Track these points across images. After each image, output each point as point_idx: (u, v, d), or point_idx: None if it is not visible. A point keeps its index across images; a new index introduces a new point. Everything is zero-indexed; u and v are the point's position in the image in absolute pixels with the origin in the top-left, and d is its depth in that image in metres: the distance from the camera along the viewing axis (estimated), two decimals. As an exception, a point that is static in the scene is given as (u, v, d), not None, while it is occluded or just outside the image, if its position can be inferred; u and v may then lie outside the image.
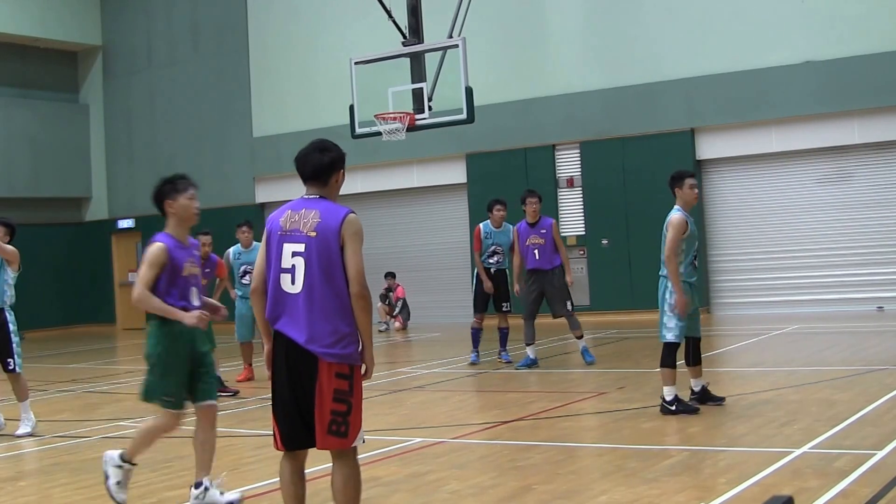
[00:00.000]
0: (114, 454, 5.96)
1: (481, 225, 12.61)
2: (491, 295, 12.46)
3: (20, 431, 9.00)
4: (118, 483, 5.92)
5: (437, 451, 7.38)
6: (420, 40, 14.34)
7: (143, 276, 5.79)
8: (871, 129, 17.19)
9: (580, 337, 12.10)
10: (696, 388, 8.59)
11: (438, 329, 18.93)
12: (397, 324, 19.70)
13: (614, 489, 5.90)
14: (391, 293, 19.90)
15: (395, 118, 14.02)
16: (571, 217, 19.64)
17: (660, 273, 8.42)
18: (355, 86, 14.67)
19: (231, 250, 12.47)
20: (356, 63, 14.81)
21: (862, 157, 17.58)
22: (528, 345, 12.03)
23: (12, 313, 9.13)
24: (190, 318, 5.77)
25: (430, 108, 14.19)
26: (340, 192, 4.93)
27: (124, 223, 25.75)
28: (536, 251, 12.01)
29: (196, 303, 5.92)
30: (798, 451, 6.60)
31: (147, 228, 24.88)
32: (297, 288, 4.66)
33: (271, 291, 4.73)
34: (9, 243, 9.12)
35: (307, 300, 4.64)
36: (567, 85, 19.55)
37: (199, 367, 5.95)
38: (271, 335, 4.76)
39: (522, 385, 10.92)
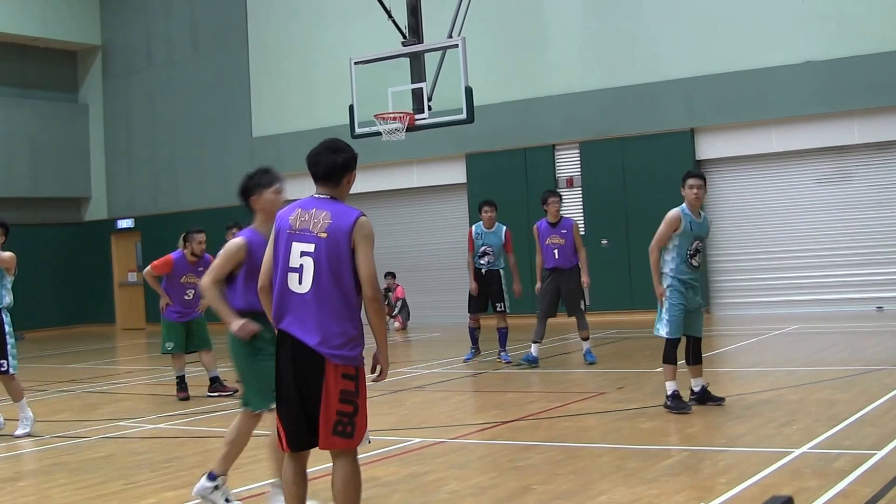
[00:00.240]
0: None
1: (473, 226, 12.75)
2: (483, 295, 12.50)
3: (19, 432, 9.01)
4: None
5: (436, 452, 7.38)
6: (420, 40, 14.34)
7: (215, 266, 5.75)
8: (871, 129, 17.17)
9: (586, 339, 12.12)
10: (696, 389, 8.59)
11: (438, 329, 18.92)
12: (397, 324, 19.70)
13: (614, 489, 5.90)
14: (391, 293, 19.90)
15: (394, 118, 14.02)
16: (571, 217, 19.57)
17: (661, 270, 8.46)
18: (355, 86, 14.68)
19: None
20: (356, 63, 14.82)
21: (862, 157, 17.57)
22: (534, 342, 12.05)
23: (9, 315, 9.17)
24: (235, 325, 5.62)
25: (429, 108, 14.20)
26: (342, 193, 4.92)
27: (124, 223, 25.73)
28: (556, 251, 12.08)
29: None
30: (798, 451, 6.59)
31: (146, 228, 24.93)
32: (305, 288, 4.64)
33: (277, 290, 4.71)
34: (3, 243, 9.16)
35: (315, 301, 4.61)
36: (567, 85, 19.54)
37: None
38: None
39: (522, 385, 10.92)
